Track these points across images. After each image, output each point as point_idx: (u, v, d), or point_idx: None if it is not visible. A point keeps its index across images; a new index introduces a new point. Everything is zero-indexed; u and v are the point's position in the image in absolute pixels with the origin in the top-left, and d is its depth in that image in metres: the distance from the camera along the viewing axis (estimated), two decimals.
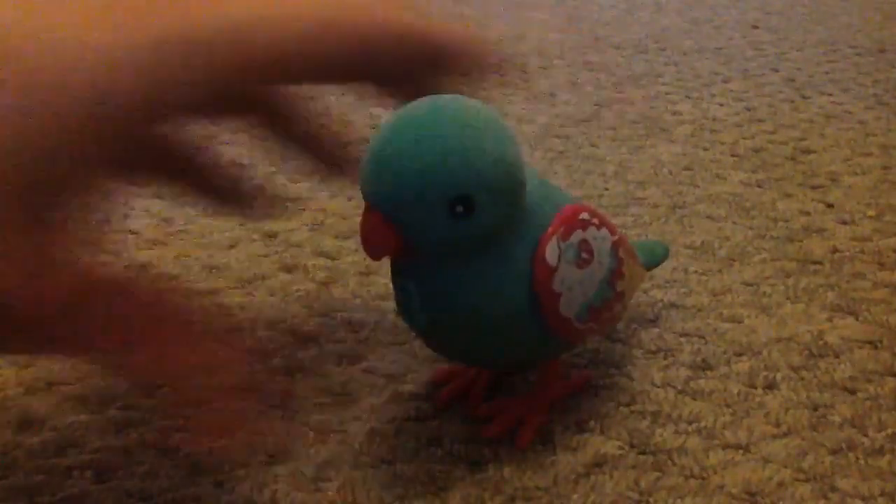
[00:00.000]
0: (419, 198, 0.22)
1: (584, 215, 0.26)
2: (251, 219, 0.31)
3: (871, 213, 0.42)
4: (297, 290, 0.37)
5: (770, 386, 0.30)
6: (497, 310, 0.24)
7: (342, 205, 0.44)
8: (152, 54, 0.19)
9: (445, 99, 0.23)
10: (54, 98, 0.18)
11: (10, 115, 0.18)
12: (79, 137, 0.19)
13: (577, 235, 0.25)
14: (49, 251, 0.20)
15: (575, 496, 0.26)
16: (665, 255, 0.34)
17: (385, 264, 0.35)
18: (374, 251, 0.23)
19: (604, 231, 0.26)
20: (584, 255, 0.25)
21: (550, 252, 0.24)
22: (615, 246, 0.27)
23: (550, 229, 0.24)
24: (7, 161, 0.18)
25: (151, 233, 0.41)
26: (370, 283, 0.37)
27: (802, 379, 0.31)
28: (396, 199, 0.22)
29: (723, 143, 0.51)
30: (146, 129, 0.21)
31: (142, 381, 0.22)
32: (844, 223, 0.41)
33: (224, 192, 0.29)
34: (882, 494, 0.26)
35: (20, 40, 0.18)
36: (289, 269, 0.38)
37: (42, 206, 0.19)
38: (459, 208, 0.22)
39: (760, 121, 0.55)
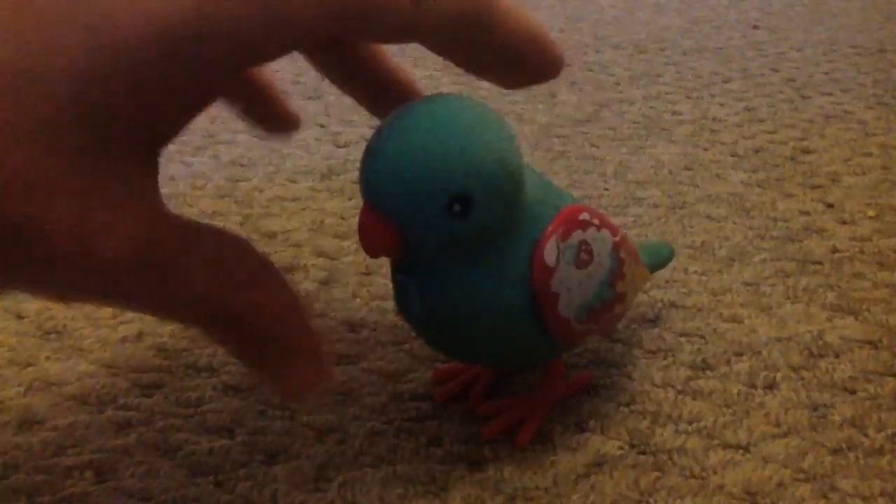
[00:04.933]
0: (417, 196, 0.22)
1: (585, 216, 0.26)
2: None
3: (871, 213, 0.42)
4: (297, 290, 0.37)
5: (770, 386, 0.30)
6: (495, 309, 0.24)
7: (342, 205, 0.44)
8: None
9: (445, 98, 0.23)
10: (160, 12, 0.18)
11: (119, 23, 0.18)
12: (184, 62, 0.18)
13: (577, 236, 0.25)
14: (135, 195, 0.19)
15: (575, 496, 0.26)
16: (670, 257, 0.34)
17: (385, 265, 0.36)
18: (371, 249, 0.23)
19: (604, 232, 0.26)
20: (584, 256, 0.25)
21: (549, 252, 0.24)
22: (616, 247, 0.27)
23: (549, 229, 0.24)
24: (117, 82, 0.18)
25: None
26: (370, 283, 0.37)
27: (802, 379, 0.31)
28: (394, 197, 0.22)
29: (723, 143, 0.51)
30: (251, 62, 0.20)
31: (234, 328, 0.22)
32: (844, 223, 0.41)
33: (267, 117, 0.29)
34: (882, 494, 0.26)
35: None
36: (289, 269, 0.38)
37: (124, 146, 0.19)
38: (457, 207, 0.22)
39: (760, 121, 0.55)
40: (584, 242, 0.25)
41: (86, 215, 0.18)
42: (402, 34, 0.21)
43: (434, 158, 0.22)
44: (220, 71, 0.19)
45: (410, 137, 0.22)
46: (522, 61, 0.24)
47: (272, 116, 0.30)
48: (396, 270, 0.25)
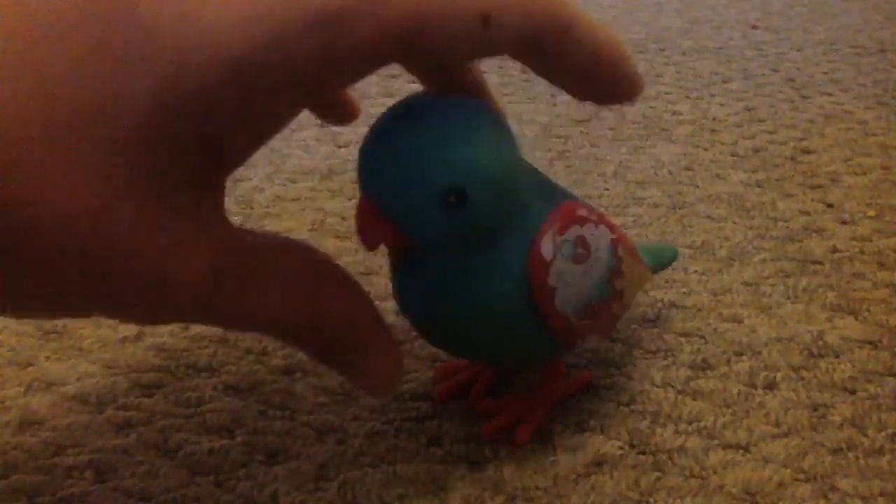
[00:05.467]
0: (410, 188, 0.22)
1: (582, 212, 0.26)
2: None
3: (871, 213, 0.42)
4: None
5: (770, 386, 0.30)
6: (494, 305, 0.24)
7: (342, 205, 0.44)
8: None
9: (444, 95, 0.23)
10: (227, 46, 0.18)
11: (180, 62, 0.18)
12: (245, 93, 0.19)
13: (574, 231, 0.25)
14: (205, 217, 0.20)
15: (575, 496, 0.26)
16: (674, 258, 0.34)
17: (385, 266, 0.36)
18: (367, 241, 0.23)
19: (602, 229, 0.26)
20: (581, 251, 0.25)
21: (546, 246, 0.24)
22: (614, 244, 0.27)
23: (546, 224, 0.24)
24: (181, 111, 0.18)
25: None
26: (370, 284, 0.37)
27: (802, 379, 0.31)
28: (389, 190, 0.22)
29: (723, 143, 0.51)
30: (312, 95, 0.20)
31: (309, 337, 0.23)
32: (844, 223, 0.41)
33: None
34: (882, 494, 0.26)
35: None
36: None
37: (193, 176, 0.19)
38: (452, 200, 0.22)
39: (760, 121, 0.55)
40: (581, 237, 0.25)
41: (155, 243, 0.19)
42: (474, 52, 0.21)
43: (428, 152, 0.22)
44: (287, 102, 0.20)
45: (406, 131, 0.22)
46: (596, 80, 0.24)
47: (330, 106, 0.30)
48: (396, 267, 0.25)
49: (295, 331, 0.22)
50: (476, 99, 0.24)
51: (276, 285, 0.21)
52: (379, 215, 0.23)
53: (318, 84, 0.20)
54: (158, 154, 0.18)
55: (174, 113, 0.18)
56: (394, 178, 0.22)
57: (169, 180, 0.19)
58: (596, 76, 0.23)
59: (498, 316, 0.24)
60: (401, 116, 0.23)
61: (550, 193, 0.26)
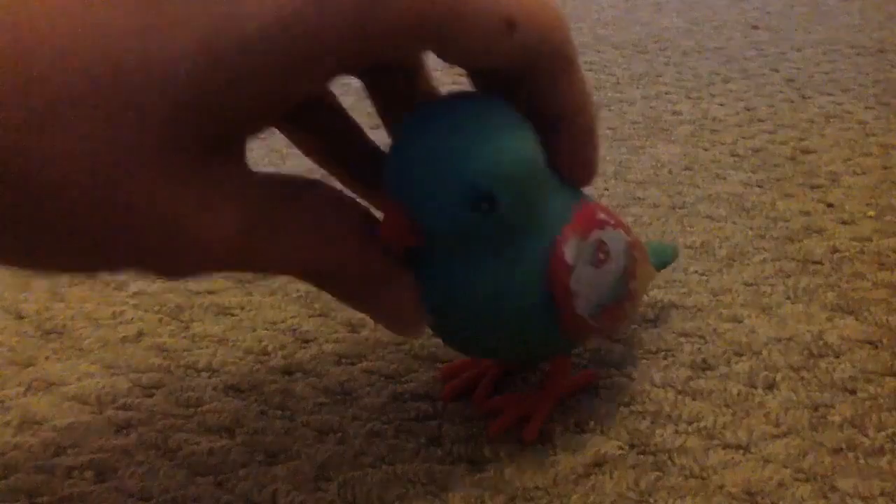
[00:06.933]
0: (442, 194, 0.22)
1: (602, 215, 0.26)
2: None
3: (871, 213, 0.42)
4: (297, 290, 0.37)
5: (770, 386, 0.30)
6: (511, 304, 0.24)
7: None
8: None
9: (468, 95, 0.23)
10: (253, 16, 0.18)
11: (203, 31, 0.18)
12: (269, 67, 0.19)
13: (595, 235, 0.25)
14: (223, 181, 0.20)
15: (575, 496, 0.26)
16: (674, 257, 0.34)
17: None
18: (396, 244, 0.23)
19: (619, 231, 0.26)
20: (601, 255, 0.25)
21: (569, 251, 0.24)
22: (629, 246, 0.27)
23: (569, 228, 0.24)
24: (197, 84, 0.18)
25: None
26: None
27: (802, 379, 0.31)
28: (419, 196, 0.22)
29: (723, 143, 0.51)
30: (332, 73, 0.20)
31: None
32: (844, 223, 0.41)
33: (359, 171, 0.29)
34: (882, 494, 0.26)
35: None
36: None
37: (221, 137, 0.20)
38: (482, 205, 0.22)
39: (760, 121, 0.55)
40: (601, 242, 0.25)
41: (185, 201, 0.19)
42: (486, 57, 0.22)
43: (459, 156, 0.22)
44: (325, 69, 0.20)
45: (436, 134, 0.22)
46: (572, 126, 0.25)
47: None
48: (411, 264, 0.25)
49: (318, 270, 0.23)
50: (496, 99, 0.24)
51: (300, 228, 0.22)
52: (407, 220, 0.23)
53: (354, 54, 0.20)
54: (190, 114, 0.19)
55: (210, 75, 0.18)
56: (424, 185, 0.22)
57: (198, 139, 0.19)
58: (574, 123, 0.24)
59: (514, 314, 0.24)
60: (428, 120, 0.23)
61: (565, 192, 0.26)
